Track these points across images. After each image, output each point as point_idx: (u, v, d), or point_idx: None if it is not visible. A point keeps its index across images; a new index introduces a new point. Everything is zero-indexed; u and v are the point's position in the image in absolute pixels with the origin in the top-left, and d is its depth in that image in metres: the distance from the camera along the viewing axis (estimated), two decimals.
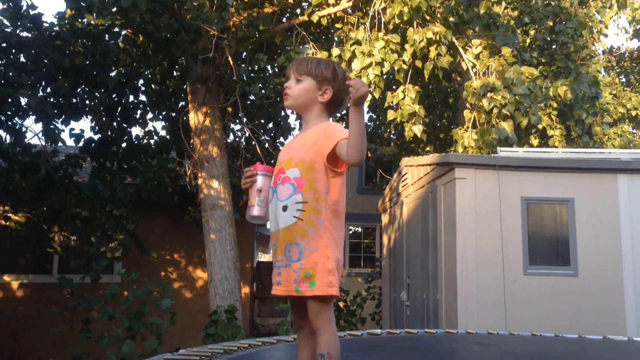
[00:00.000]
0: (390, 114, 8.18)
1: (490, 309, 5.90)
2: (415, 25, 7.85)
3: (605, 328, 5.23)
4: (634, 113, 14.77)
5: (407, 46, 7.84)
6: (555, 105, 10.54)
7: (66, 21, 8.29)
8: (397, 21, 7.72)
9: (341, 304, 10.62)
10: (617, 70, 16.80)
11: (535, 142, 10.76)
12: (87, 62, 8.53)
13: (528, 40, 11.87)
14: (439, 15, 7.93)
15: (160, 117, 9.92)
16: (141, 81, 9.74)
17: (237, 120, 9.84)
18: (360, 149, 2.02)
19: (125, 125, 9.57)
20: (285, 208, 2.13)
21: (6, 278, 10.71)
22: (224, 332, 6.74)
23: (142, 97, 9.80)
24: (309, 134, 2.22)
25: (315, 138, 2.16)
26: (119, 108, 9.47)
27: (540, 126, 10.01)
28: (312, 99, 2.25)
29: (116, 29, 8.61)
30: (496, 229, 6.03)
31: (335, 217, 2.14)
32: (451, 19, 8.06)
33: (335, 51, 8.15)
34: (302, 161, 2.14)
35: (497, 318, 5.78)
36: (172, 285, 10.93)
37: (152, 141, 9.96)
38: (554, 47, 11.71)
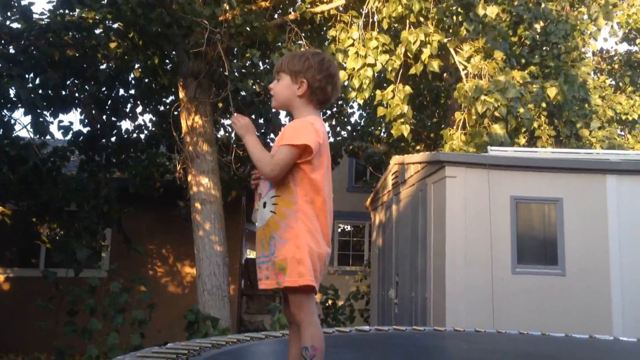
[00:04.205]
0: (380, 110, 8.23)
1: (479, 307, 5.93)
2: (408, 26, 7.86)
3: (591, 327, 5.27)
4: (623, 117, 14.86)
5: (399, 47, 7.84)
6: (544, 105, 10.59)
7: (57, 13, 8.22)
8: (392, 20, 7.72)
9: (329, 301, 10.62)
10: (607, 72, 16.88)
11: (523, 141, 10.80)
12: (78, 55, 8.46)
13: (515, 39, 11.87)
14: (432, 16, 7.93)
15: (147, 110, 9.87)
16: (132, 75, 9.67)
17: (228, 116, 9.81)
18: (262, 168, 2.14)
19: (114, 119, 9.51)
20: (264, 204, 2.18)
21: None
22: (205, 328, 6.72)
23: (132, 91, 9.74)
24: (282, 131, 2.28)
25: (282, 134, 2.22)
26: (109, 101, 9.41)
27: (528, 127, 10.06)
28: (291, 94, 2.27)
29: (108, 22, 8.55)
30: (485, 228, 6.05)
31: (311, 208, 2.13)
32: (445, 19, 8.06)
33: (330, 49, 8.15)
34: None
35: (485, 316, 5.81)
36: (159, 280, 10.91)
37: (142, 135, 9.91)
38: (545, 48, 11.76)
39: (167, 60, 9.39)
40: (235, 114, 2.27)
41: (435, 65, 7.77)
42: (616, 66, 16.73)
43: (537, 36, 11.59)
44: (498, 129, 7.71)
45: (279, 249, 2.09)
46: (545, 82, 9.97)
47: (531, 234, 6.23)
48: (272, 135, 10.24)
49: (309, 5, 8.60)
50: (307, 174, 2.14)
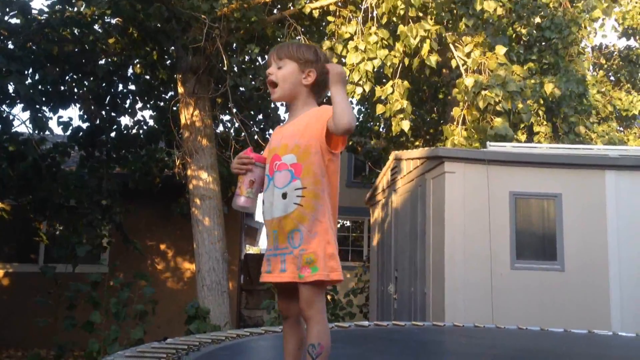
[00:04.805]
0: (379, 108, 8.22)
1: (478, 302, 5.94)
2: (407, 21, 7.85)
3: (590, 322, 5.28)
4: (624, 114, 14.84)
5: (398, 42, 7.85)
6: (542, 101, 10.59)
7: (56, 8, 8.20)
8: (391, 15, 7.71)
9: (328, 297, 10.62)
10: (606, 68, 16.86)
11: (522, 137, 10.80)
12: (76, 50, 8.45)
13: (513, 34, 11.85)
14: (432, 10, 7.92)
15: (148, 106, 9.86)
16: (130, 70, 9.66)
17: (227, 111, 9.80)
18: (347, 115, 2.00)
19: (114, 115, 9.50)
20: (285, 195, 2.09)
21: None
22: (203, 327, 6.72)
23: (132, 87, 9.73)
24: (300, 120, 2.19)
25: (307, 123, 2.14)
26: (108, 97, 9.39)
27: (527, 122, 10.07)
28: (296, 82, 2.21)
29: (107, 19, 8.54)
30: (484, 223, 6.06)
31: (331, 201, 2.12)
32: (443, 13, 8.06)
33: (327, 44, 8.14)
34: (298, 147, 2.11)
35: (484, 311, 5.82)
36: (159, 276, 10.91)
37: (141, 131, 9.90)
38: (543, 44, 11.74)
39: (166, 56, 9.38)
40: (332, 63, 2.15)
41: (433, 60, 7.77)
42: (615, 62, 16.70)
43: (534, 31, 11.58)
44: (501, 122, 7.73)
45: (307, 241, 2.03)
46: (544, 78, 9.97)
47: (530, 229, 6.24)
48: (270, 131, 10.24)
49: (308, 0, 8.59)
50: (333, 162, 2.12)
